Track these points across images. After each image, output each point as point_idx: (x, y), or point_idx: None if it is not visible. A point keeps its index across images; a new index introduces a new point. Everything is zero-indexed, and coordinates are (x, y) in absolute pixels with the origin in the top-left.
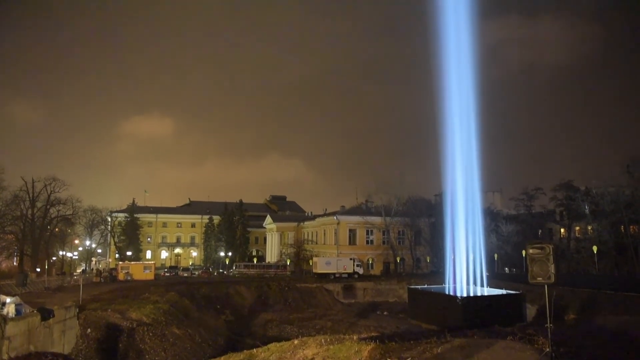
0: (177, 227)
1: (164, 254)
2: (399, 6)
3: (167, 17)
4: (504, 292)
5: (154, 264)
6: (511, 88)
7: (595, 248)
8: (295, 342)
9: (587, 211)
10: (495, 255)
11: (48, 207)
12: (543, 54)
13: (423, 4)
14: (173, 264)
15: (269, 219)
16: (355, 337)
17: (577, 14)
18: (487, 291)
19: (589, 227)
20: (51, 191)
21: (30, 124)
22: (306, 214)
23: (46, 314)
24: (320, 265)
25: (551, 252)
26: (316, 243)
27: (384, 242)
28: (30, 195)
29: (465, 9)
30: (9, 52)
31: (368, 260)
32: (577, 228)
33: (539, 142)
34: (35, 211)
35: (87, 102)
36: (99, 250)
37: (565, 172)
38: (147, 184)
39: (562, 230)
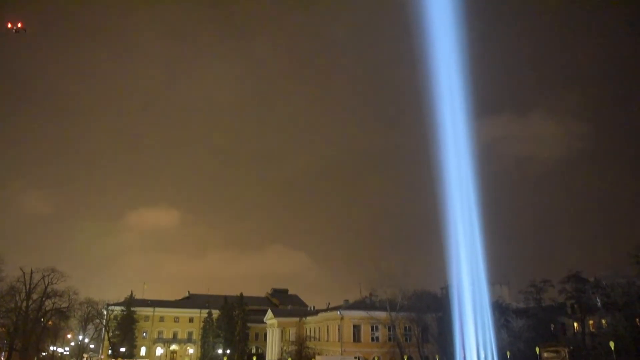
0: (175, 321)
1: (159, 351)
2: (400, 103)
3: (175, 112)
4: None
5: None
6: (509, 181)
7: (612, 344)
8: None
9: (599, 304)
10: (508, 353)
11: (44, 299)
12: (537, 149)
13: (422, 103)
14: None
15: (269, 313)
16: None
17: (567, 111)
18: None
19: (603, 321)
20: (48, 282)
21: (38, 215)
22: (309, 308)
23: None
24: None
25: (567, 356)
26: (319, 340)
27: (390, 339)
28: (27, 287)
29: (461, 108)
30: (25, 142)
31: (374, 358)
32: (591, 322)
33: (543, 232)
34: (30, 303)
35: (96, 193)
36: (92, 346)
37: (572, 262)
38: (148, 275)
39: (575, 324)
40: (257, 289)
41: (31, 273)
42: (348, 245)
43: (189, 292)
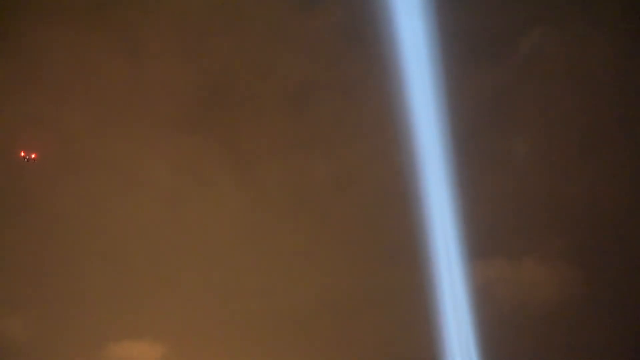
0: None
1: None
2: (397, 242)
3: (171, 243)
4: None
5: None
6: (508, 325)
7: None
8: None
9: None
10: None
11: None
12: (531, 292)
13: (418, 243)
14: None
15: None
16: None
17: (561, 257)
18: None
19: None
20: None
21: (15, 344)
22: None
23: None
24: None
25: None
26: None
27: None
28: None
29: (455, 250)
30: (16, 264)
31: None
32: None
33: None
34: None
35: (80, 320)
36: None
37: None
38: None
39: None
40: None
41: None
42: None
43: None
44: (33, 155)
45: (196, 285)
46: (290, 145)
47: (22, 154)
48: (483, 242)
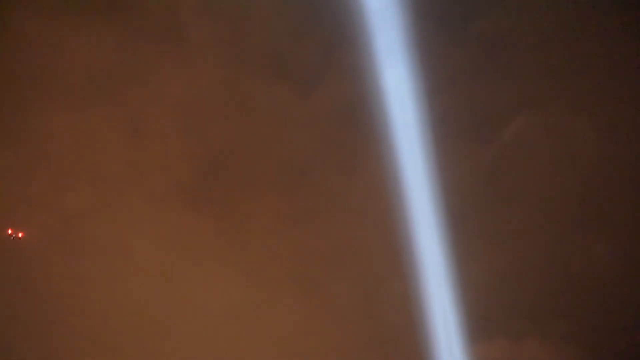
0: None
1: None
2: (396, 323)
3: (161, 321)
4: None
5: None
6: None
7: None
8: None
9: None
10: None
11: None
12: None
13: (418, 326)
14: None
15: None
16: None
17: (563, 338)
18: None
19: None
20: None
21: None
22: None
23: None
24: None
25: None
26: None
27: None
28: None
29: (455, 331)
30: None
31: None
32: None
33: None
34: None
35: None
36: None
37: None
38: None
39: None
40: None
41: None
42: None
43: None
44: (20, 234)
45: None
46: (287, 222)
47: (10, 231)
48: (483, 323)
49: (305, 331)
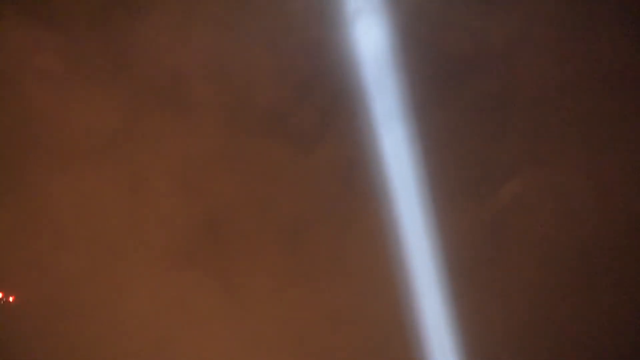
0: None
1: None
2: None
3: None
4: None
5: None
6: None
7: None
8: None
9: None
10: None
11: None
12: None
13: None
14: None
15: None
16: None
17: None
18: None
19: None
20: None
21: None
22: None
23: None
24: None
25: None
26: None
27: None
28: None
29: None
30: None
31: None
32: None
33: None
34: None
35: None
36: None
37: None
38: None
39: None
40: None
41: None
42: None
43: None
44: (11, 298)
45: None
46: (286, 280)
47: (1, 295)
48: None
49: None
